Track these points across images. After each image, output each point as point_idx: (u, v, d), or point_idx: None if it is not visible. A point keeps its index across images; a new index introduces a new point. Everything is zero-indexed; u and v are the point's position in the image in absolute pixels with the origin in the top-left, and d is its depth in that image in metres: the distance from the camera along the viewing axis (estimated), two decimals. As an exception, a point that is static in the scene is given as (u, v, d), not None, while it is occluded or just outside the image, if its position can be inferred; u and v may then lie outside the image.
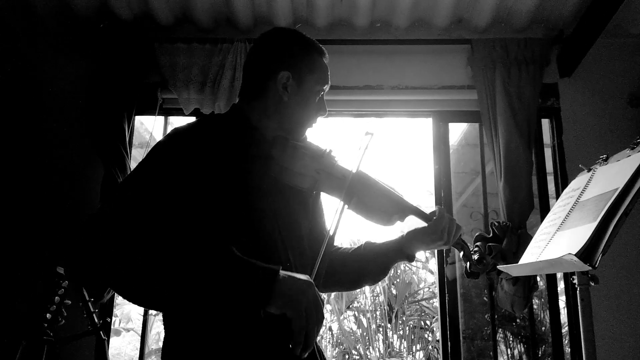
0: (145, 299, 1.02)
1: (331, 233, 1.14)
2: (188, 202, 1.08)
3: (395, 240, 1.40)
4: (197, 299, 0.98)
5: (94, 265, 0.97)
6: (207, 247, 0.99)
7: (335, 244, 1.36)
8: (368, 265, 1.40)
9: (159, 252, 0.97)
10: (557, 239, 1.41)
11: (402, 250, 1.38)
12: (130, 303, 1.09)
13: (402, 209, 1.28)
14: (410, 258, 1.38)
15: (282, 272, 0.99)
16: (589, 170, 1.55)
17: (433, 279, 6.55)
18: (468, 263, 1.37)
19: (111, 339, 2.97)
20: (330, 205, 1.31)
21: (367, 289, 6.38)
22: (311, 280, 1.01)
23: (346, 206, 1.21)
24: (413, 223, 1.36)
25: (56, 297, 2.11)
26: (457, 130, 4.36)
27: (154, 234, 0.99)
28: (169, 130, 3.02)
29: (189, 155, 1.12)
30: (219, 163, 1.14)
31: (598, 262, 1.20)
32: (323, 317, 0.99)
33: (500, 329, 5.04)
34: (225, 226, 1.12)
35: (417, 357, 6.32)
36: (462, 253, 1.36)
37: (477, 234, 2.65)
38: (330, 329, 6.59)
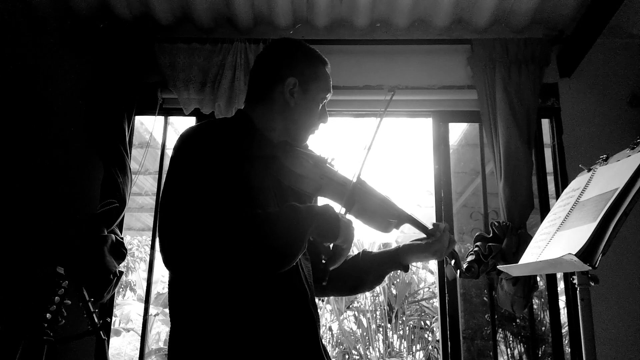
0: (246, 259, 1.08)
1: None
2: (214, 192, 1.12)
3: (391, 250, 1.45)
4: (289, 243, 1.09)
5: (199, 257, 1.05)
6: (279, 208, 1.17)
7: None
8: (365, 274, 1.46)
9: (240, 220, 1.07)
10: (557, 239, 1.41)
11: (398, 261, 1.44)
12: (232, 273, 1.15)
13: (400, 217, 1.32)
14: (406, 269, 1.45)
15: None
16: (589, 170, 1.55)
17: (433, 279, 6.56)
18: (459, 272, 1.42)
19: (111, 339, 2.98)
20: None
21: (367, 289, 6.39)
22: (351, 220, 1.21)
23: (347, 212, 1.26)
24: (410, 230, 1.39)
25: (56, 297, 2.10)
26: (457, 130, 4.35)
27: (224, 211, 1.07)
28: (169, 130, 3.04)
29: (200, 156, 1.15)
30: (224, 164, 1.16)
31: (598, 262, 1.20)
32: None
33: (500, 329, 5.04)
34: None
35: (417, 357, 6.33)
36: (452, 262, 1.41)
37: (477, 234, 2.67)
38: (330, 329, 6.60)
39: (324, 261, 1.18)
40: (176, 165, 1.16)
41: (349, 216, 1.26)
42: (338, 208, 1.25)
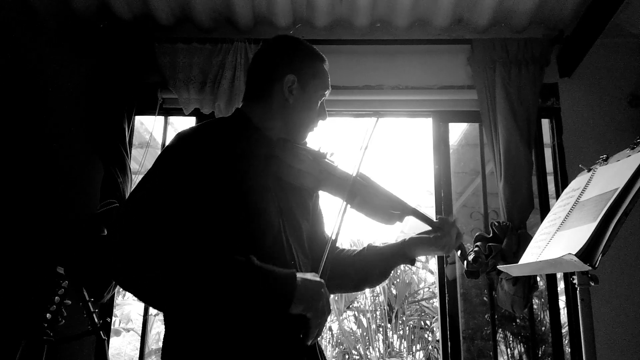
0: (168, 306, 1.07)
1: (335, 231, 1.18)
2: (199, 204, 1.09)
3: (398, 244, 1.43)
4: (221, 307, 1.04)
5: (121, 272, 1.01)
6: (229, 258, 1.04)
7: (337, 244, 1.39)
8: (370, 268, 1.43)
9: (181, 264, 1.01)
10: (557, 239, 1.41)
11: (405, 254, 1.41)
12: (142, 303, 1.12)
13: (402, 209, 1.31)
14: (413, 262, 1.42)
15: (298, 275, 1.07)
16: (589, 170, 1.55)
17: (433, 279, 6.54)
18: (465, 262, 1.41)
19: (111, 339, 2.98)
20: (333, 208, 1.34)
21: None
22: (322, 281, 1.10)
23: (349, 205, 1.25)
24: (413, 223, 1.38)
25: (56, 297, 2.11)
26: (457, 130, 4.36)
27: (173, 241, 1.02)
28: (169, 130, 3.04)
29: (196, 159, 1.13)
30: (223, 164, 1.16)
31: (598, 262, 1.20)
32: (330, 311, 1.11)
33: (500, 329, 5.04)
34: (234, 225, 1.13)
35: (417, 357, 6.32)
36: (459, 252, 1.40)
37: (477, 234, 2.67)
38: (330, 329, 6.59)
39: (300, 336, 1.08)
40: (160, 165, 1.14)
41: (351, 209, 1.25)
42: (340, 202, 1.25)
